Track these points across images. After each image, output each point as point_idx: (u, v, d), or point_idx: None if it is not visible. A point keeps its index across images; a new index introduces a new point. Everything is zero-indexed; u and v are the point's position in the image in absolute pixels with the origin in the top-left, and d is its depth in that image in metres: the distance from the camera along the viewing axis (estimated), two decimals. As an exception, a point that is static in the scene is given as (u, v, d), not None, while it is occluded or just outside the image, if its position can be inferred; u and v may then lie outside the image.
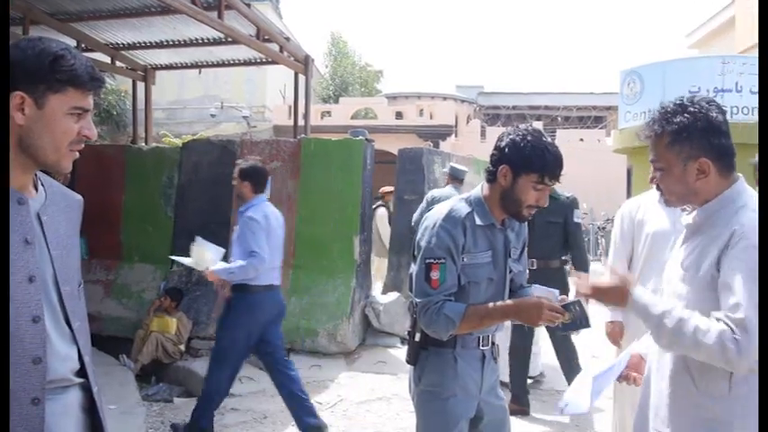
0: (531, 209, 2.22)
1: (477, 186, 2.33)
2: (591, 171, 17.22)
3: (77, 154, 1.49)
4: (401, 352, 6.35)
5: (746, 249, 1.69)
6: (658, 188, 1.94)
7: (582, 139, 21.22)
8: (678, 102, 1.85)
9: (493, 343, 2.36)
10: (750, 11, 15.43)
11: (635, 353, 2.11)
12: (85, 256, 6.67)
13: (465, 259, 2.21)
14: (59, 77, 1.41)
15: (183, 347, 5.97)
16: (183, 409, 4.77)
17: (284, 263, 6.50)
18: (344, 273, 6.36)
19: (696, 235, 1.87)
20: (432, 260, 2.18)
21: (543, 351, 5.56)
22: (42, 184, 1.52)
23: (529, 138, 2.17)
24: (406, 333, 2.40)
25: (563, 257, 4.91)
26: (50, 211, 1.50)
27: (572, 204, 4.94)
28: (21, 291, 1.38)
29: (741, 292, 1.66)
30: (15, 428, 1.37)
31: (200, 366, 5.70)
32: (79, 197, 1.67)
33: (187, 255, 4.28)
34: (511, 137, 2.20)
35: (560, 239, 4.85)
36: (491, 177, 2.25)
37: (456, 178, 6.67)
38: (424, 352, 2.29)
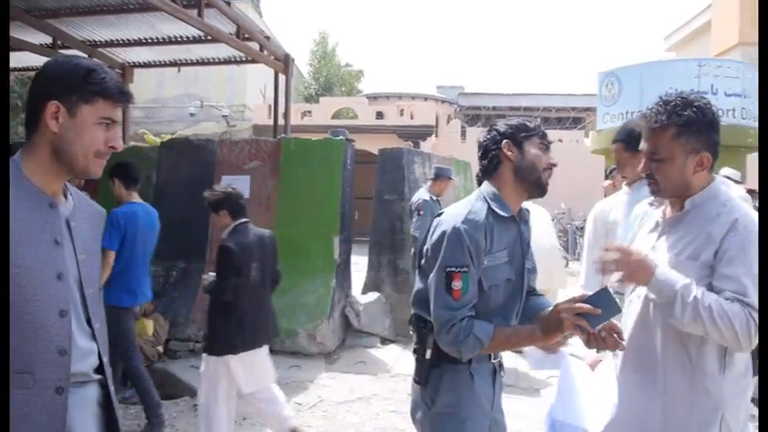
0: (547, 171, 2.08)
1: (480, 188, 2.14)
2: (569, 171, 17.32)
3: (104, 162, 1.61)
4: (381, 352, 6.34)
5: (749, 235, 1.80)
6: (650, 178, 1.95)
7: (561, 140, 21.28)
8: (682, 96, 1.92)
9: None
10: (725, 15, 15.67)
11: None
12: None
13: (486, 262, 1.98)
14: (91, 89, 1.54)
15: (160, 349, 5.90)
16: (161, 410, 4.70)
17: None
18: (324, 273, 6.34)
19: (681, 226, 1.94)
20: (453, 268, 1.94)
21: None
22: (71, 194, 1.65)
23: (505, 118, 2.17)
24: (413, 350, 2.15)
25: None
26: (78, 218, 1.63)
27: None
28: (50, 286, 1.49)
29: (746, 274, 1.77)
30: (39, 415, 1.45)
31: (178, 368, 5.65)
32: (103, 209, 1.79)
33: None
34: (493, 124, 2.16)
35: None
36: (492, 168, 2.10)
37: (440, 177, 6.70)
38: (436, 370, 2.05)
